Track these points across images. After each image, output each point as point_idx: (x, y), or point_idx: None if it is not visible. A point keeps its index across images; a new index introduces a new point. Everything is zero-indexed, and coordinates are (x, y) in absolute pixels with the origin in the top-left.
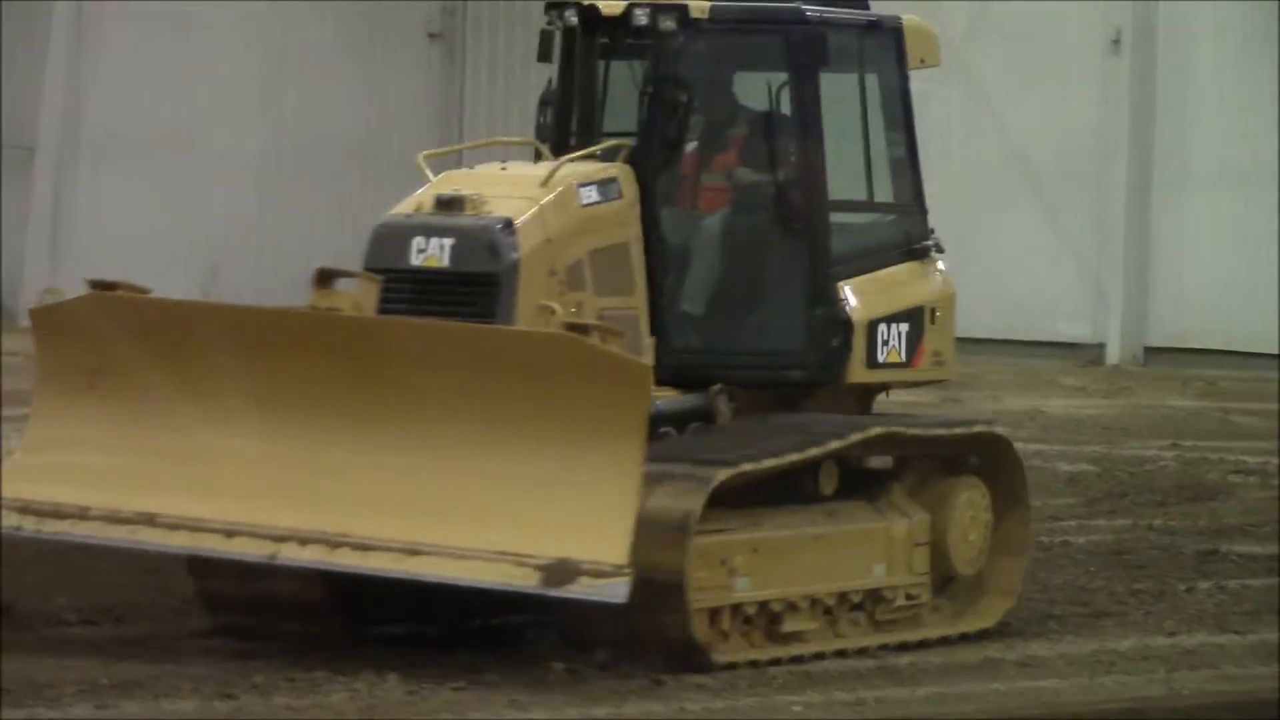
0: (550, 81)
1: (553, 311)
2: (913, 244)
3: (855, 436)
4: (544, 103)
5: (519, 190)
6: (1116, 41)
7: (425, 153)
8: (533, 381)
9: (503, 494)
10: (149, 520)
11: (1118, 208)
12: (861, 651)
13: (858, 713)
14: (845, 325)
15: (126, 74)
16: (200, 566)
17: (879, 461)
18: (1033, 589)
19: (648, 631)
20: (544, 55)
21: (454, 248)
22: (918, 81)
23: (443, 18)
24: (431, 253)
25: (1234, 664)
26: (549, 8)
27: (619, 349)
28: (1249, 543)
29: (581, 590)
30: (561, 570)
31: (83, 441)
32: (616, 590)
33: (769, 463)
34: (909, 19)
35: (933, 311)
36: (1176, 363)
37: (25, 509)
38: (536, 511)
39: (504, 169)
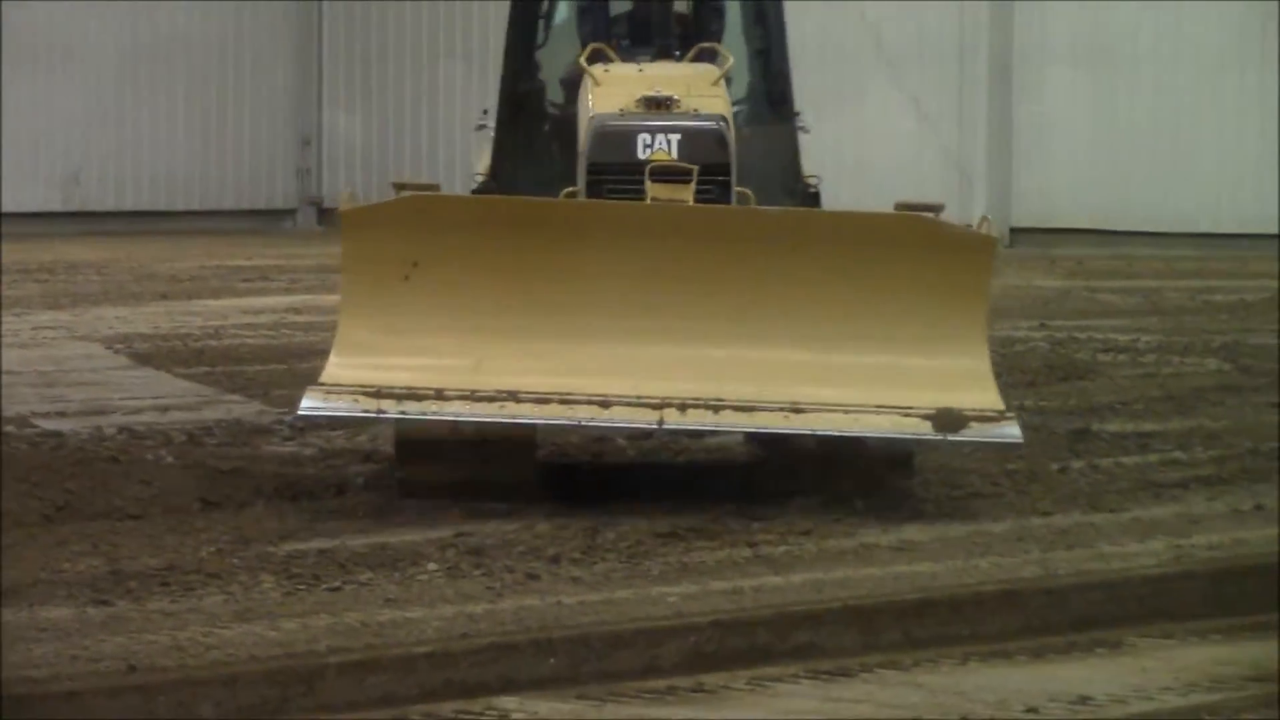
0: None
1: (748, 196)
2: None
3: None
4: (583, 10)
5: (702, 89)
6: None
7: (581, 56)
8: (888, 254)
9: (872, 356)
10: (512, 396)
11: (979, 88)
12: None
13: (735, 602)
14: (817, 198)
15: None
16: (410, 453)
17: None
18: (904, 473)
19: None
20: None
21: (681, 142)
22: None
23: None
24: (659, 147)
25: (1109, 542)
26: None
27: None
28: (1120, 421)
29: (976, 434)
30: (949, 418)
31: (408, 330)
32: (1010, 432)
33: None
34: None
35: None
36: (1043, 243)
37: (378, 394)
38: (906, 369)
39: (641, 70)
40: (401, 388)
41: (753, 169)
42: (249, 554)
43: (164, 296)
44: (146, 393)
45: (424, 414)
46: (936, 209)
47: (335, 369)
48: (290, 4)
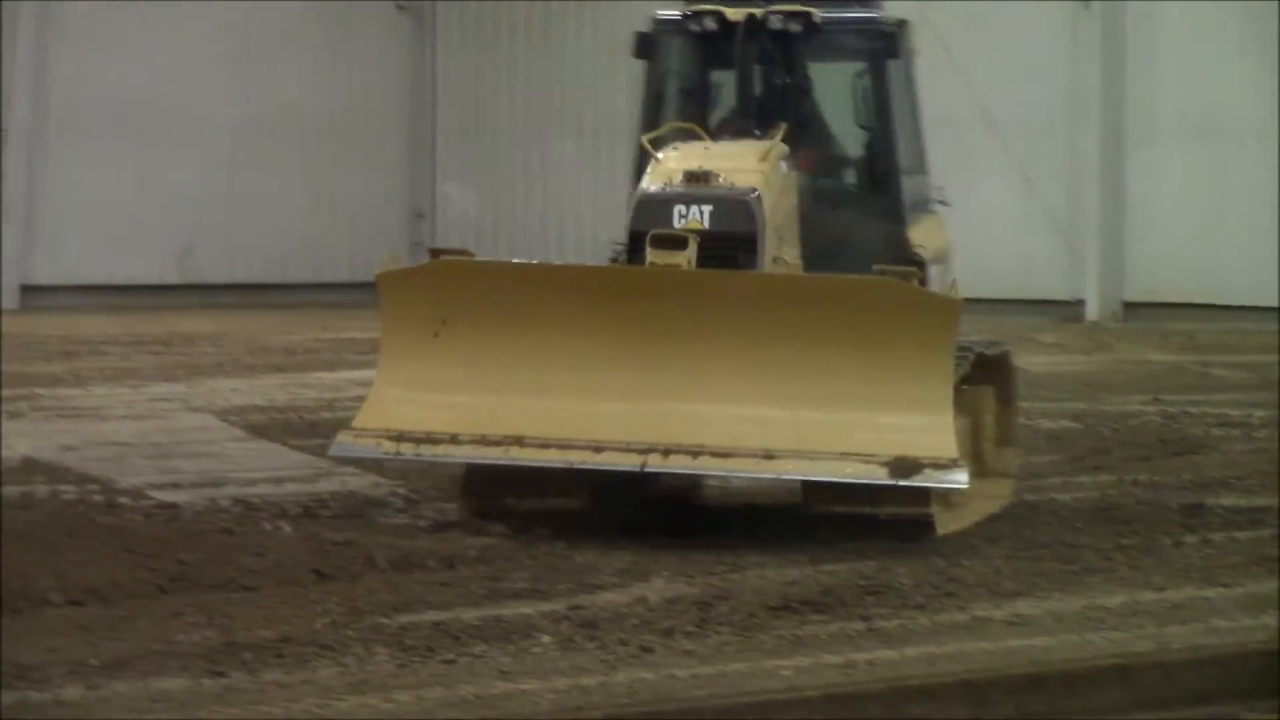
0: (669, 76)
1: (785, 262)
2: (930, 202)
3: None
4: (686, 93)
5: (745, 164)
6: None
7: (645, 135)
8: (861, 315)
9: (840, 406)
10: (518, 441)
11: (1091, 163)
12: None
13: (848, 676)
14: (922, 266)
15: (93, 52)
16: (476, 485)
17: None
18: (1019, 546)
19: (891, 514)
20: (640, 53)
21: (713, 213)
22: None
23: None
24: (693, 217)
25: (1222, 617)
26: (691, 16)
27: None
28: (1233, 495)
29: (928, 479)
30: (904, 465)
31: (434, 380)
32: (959, 478)
33: None
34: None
35: (948, 254)
36: (1154, 317)
37: (399, 437)
38: (871, 419)
39: (707, 148)
40: (421, 432)
41: (855, 238)
42: (363, 626)
43: (278, 369)
44: (261, 465)
45: (438, 456)
46: (909, 275)
47: (367, 414)
48: (404, 78)
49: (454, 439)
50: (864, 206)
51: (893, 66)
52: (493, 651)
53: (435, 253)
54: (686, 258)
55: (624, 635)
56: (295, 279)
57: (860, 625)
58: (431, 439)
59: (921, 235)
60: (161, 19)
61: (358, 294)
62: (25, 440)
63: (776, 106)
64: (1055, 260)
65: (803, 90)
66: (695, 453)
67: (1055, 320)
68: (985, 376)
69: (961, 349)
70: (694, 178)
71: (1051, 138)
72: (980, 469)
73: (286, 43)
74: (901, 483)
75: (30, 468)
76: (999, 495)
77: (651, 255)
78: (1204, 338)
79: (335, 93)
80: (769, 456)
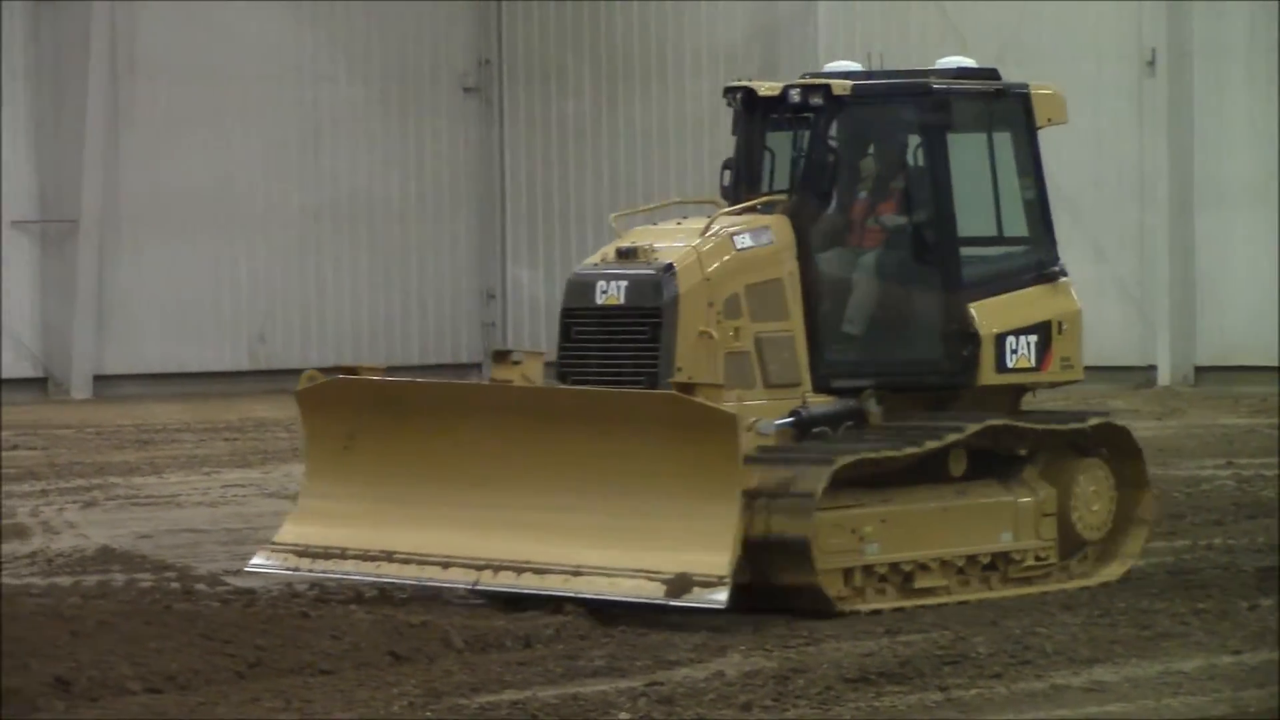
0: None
1: (711, 336)
2: (1043, 270)
3: (951, 437)
4: (725, 167)
5: (682, 240)
6: (1151, 63)
7: (614, 214)
8: (653, 431)
9: (637, 523)
10: (388, 557)
11: (1160, 229)
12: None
13: None
14: (974, 338)
15: (164, 143)
16: None
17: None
18: (1095, 613)
19: (787, 585)
20: (732, 129)
21: (627, 288)
22: None
23: (478, 71)
24: (611, 293)
25: None
26: (726, 91)
27: (718, 401)
28: None
29: (693, 599)
30: (680, 583)
31: (341, 494)
32: (717, 598)
33: (883, 454)
34: (1035, 85)
35: (1059, 324)
36: (1226, 381)
37: (302, 552)
38: (662, 536)
39: (679, 224)
40: (320, 547)
41: (914, 313)
42: (441, 707)
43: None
44: None
45: (325, 571)
46: (705, 388)
47: (285, 530)
48: (472, 161)
49: (343, 553)
50: (927, 280)
51: (955, 137)
52: None
53: (343, 370)
54: (522, 373)
55: (702, 710)
56: (368, 362)
57: (938, 695)
58: (327, 554)
59: (998, 308)
60: (230, 106)
61: (430, 375)
62: (101, 529)
63: (803, 177)
64: (1127, 327)
65: (820, 163)
66: (520, 569)
67: (1127, 386)
68: (1088, 449)
69: (1043, 417)
70: (623, 254)
71: (1121, 205)
72: (1069, 546)
73: (355, 128)
74: (673, 603)
75: (107, 556)
76: (1103, 576)
77: (492, 370)
78: (1276, 401)
79: (405, 177)
80: (576, 574)
